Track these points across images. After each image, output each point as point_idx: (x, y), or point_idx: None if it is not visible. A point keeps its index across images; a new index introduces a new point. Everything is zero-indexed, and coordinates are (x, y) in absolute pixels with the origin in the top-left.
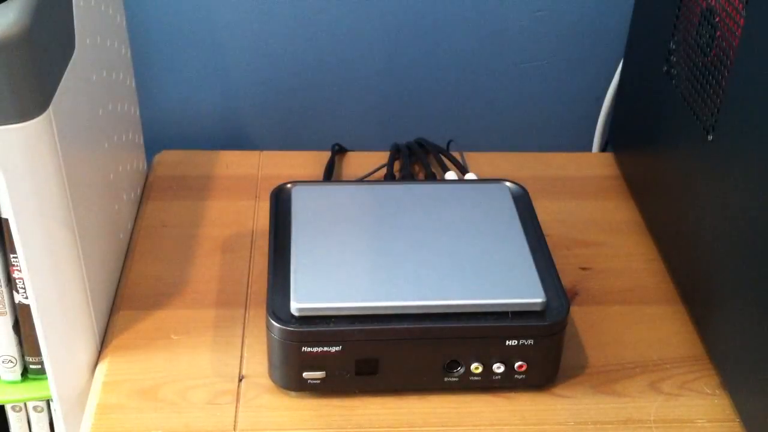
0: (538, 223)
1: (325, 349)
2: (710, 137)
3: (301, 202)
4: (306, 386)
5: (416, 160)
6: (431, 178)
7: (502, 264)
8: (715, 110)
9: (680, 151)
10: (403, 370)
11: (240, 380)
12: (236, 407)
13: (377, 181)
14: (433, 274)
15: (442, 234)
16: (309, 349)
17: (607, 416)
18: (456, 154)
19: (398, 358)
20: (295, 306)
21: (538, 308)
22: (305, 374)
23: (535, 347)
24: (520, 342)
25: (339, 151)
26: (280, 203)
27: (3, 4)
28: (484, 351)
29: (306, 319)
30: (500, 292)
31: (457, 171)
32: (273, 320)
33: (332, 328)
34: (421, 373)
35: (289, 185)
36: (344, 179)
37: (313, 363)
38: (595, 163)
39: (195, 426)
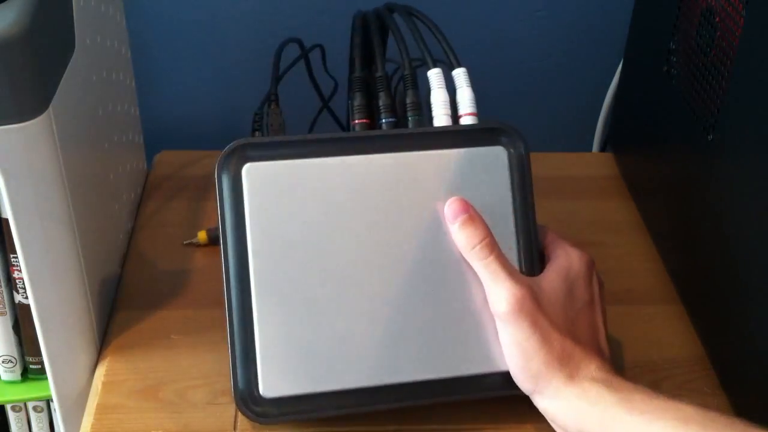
0: (531, 202)
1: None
2: (710, 137)
3: (258, 211)
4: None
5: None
6: (414, 109)
7: (485, 323)
8: (715, 110)
9: (680, 151)
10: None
11: None
12: (236, 407)
13: (345, 140)
14: (408, 343)
15: (423, 282)
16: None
17: None
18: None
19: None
20: (266, 393)
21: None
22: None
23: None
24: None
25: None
26: (233, 200)
27: (3, 4)
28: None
29: (277, 402)
30: (480, 361)
31: (442, 77)
32: (243, 407)
33: (306, 416)
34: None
35: (232, 170)
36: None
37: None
38: (595, 163)
39: (195, 426)
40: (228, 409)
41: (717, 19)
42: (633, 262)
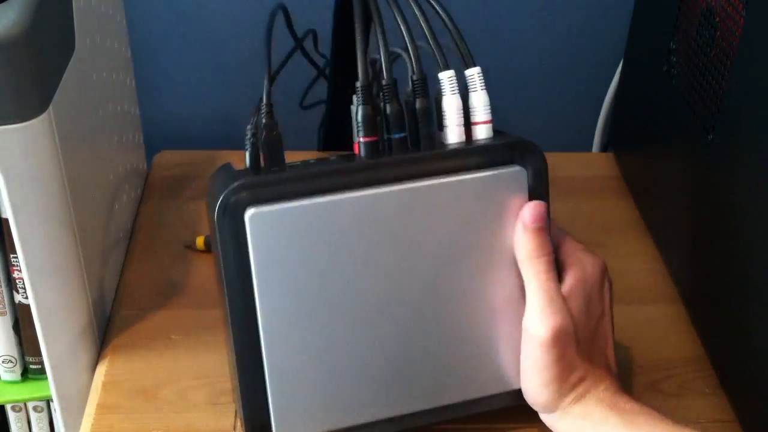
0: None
1: None
2: (710, 137)
3: (265, 259)
4: None
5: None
6: (425, 120)
7: (499, 348)
8: (715, 110)
9: (680, 151)
10: None
11: None
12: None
13: (352, 171)
14: (422, 374)
15: (437, 315)
16: None
17: None
18: None
19: None
20: None
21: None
22: None
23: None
24: None
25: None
26: (236, 247)
27: (3, 4)
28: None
29: None
30: (493, 384)
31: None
32: None
33: None
34: None
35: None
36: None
37: None
38: (595, 163)
39: (195, 426)
40: (228, 409)
41: (717, 19)
42: (633, 262)
